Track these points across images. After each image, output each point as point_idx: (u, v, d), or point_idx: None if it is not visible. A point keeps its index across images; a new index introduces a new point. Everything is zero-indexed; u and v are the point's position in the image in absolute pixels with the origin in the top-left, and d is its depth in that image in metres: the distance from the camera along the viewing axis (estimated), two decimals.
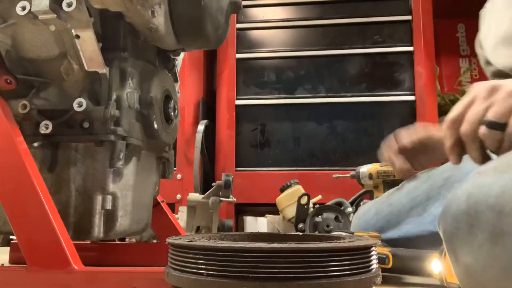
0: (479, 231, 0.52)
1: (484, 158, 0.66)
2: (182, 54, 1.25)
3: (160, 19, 0.96)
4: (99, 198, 0.91)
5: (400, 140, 1.11)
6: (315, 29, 2.49)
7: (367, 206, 1.42)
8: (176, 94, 1.17)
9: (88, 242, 1.24)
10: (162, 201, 1.27)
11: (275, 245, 0.53)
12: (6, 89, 0.94)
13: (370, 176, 1.84)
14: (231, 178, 1.53)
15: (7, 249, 1.28)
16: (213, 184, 1.56)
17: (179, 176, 2.39)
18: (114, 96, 0.92)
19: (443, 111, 2.63)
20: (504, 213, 0.50)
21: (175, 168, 2.34)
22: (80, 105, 0.89)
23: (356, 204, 1.89)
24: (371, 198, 1.86)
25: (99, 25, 0.94)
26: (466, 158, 0.69)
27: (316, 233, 1.68)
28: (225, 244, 0.55)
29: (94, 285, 0.79)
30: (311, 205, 1.80)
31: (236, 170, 2.39)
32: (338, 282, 0.53)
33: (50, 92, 0.95)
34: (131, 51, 0.99)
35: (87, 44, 0.88)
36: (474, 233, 0.52)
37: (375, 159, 1.93)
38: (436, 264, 0.92)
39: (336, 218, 1.76)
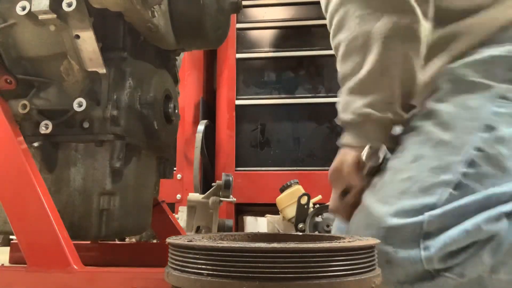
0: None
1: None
2: (182, 54, 1.25)
3: (160, 19, 0.96)
4: (98, 198, 0.91)
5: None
6: (315, 29, 2.49)
7: None
8: (176, 94, 1.17)
9: (88, 242, 1.24)
10: (162, 201, 1.27)
11: (275, 245, 0.53)
12: (6, 89, 0.94)
13: None
14: (231, 178, 1.53)
15: (7, 249, 1.28)
16: (213, 184, 1.56)
17: (179, 176, 2.39)
18: (114, 96, 0.92)
19: None
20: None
21: (175, 168, 2.34)
22: (80, 105, 0.89)
23: None
24: None
25: (99, 25, 0.94)
26: None
27: (316, 233, 1.68)
28: (225, 244, 0.55)
29: (94, 285, 0.79)
30: (311, 205, 1.79)
31: (236, 170, 2.39)
32: (338, 282, 0.53)
33: (50, 92, 0.95)
34: (131, 51, 0.99)
35: (87, 44, 0.88)
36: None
37: None
38: None
39: None
